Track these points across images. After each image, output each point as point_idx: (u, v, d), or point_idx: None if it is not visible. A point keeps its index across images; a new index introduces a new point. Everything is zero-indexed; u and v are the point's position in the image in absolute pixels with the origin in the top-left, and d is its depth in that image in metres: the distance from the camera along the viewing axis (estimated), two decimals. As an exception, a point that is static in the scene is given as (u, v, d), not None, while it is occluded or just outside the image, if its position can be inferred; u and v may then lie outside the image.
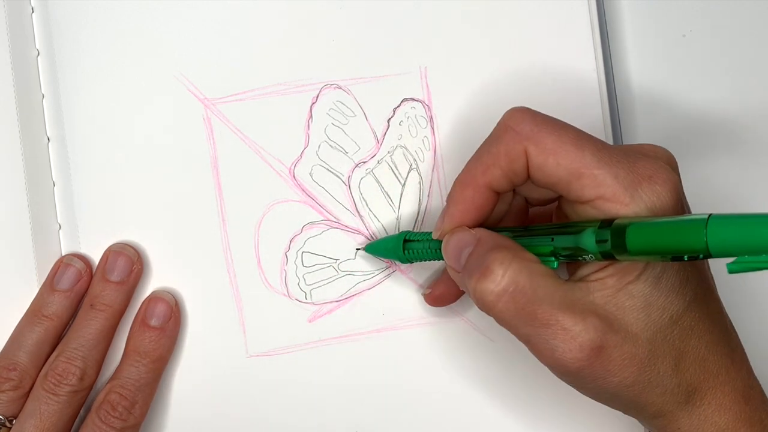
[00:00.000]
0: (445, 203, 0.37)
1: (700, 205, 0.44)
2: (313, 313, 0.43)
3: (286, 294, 0.43)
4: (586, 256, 0.32)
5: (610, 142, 0.43)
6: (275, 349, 0.43)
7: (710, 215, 0.28)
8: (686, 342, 0.34)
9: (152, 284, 0.42)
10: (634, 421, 0.37)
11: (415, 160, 0.43)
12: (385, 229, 0.43)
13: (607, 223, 0.31)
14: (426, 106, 0.43)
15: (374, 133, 0.43)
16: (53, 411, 0.40)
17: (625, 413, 0.36)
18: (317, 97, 0.43)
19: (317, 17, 0.43)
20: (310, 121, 0.43)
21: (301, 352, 0.43)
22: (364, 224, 0.43)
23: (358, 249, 0.43)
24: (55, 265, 0.42)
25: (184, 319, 0.42)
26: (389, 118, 0.43)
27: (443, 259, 0.37)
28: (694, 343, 0.34)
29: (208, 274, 0.42)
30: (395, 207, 0.43)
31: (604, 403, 0.35)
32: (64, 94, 0.42)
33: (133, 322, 0.42)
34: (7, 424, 0.40)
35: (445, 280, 0.41)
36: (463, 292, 0.41)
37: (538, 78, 0.43)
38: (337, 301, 0.43)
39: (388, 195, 0.43)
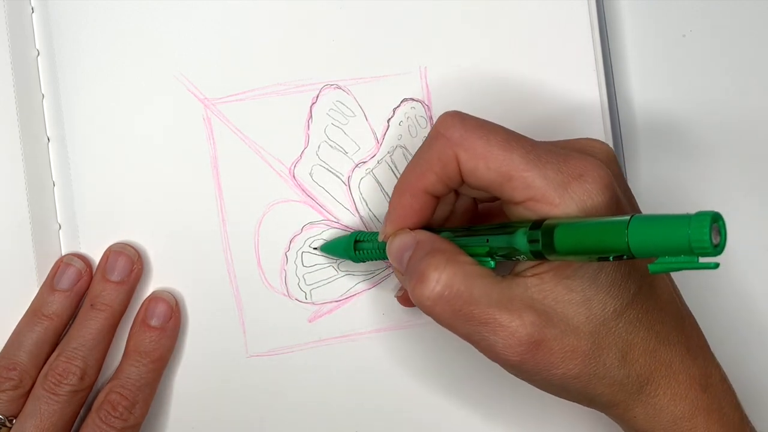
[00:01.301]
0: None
1: (698, 205, 0.44)
2: (313, 313, 0.43)
3: (286, 294, 0.43)
4: (519, 257, 0.33)
5: (610, 143, 0.43)
6: (275, 349, 0.43)
7: (633, 216, 0.28)
8: (634, 334, 0.34)
9: (152, 284, 0.42)
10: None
11: (415, 160, 0.43)
12: (385, 229, 0.43)
13: (537, 224, 0.32)
14: (426, 106, 0.43)
15: (374, 133, 0.43)
16: (53, 411, 0.40)
17: (580, 404, 0.36)
18: (317, 97, 0.43)
19: (317, 17, 0.43)
20: (310, 121, 0.43)
21: (301, 352, 0.43)
22: (364, 224, 0.43)
23: (315, 249, 0.43)
24: (55, 265, 0.42)
25: (184, 319, 0.42)
26: (389, 118, 0.43)
27: None
28: (642, 335, 0.34)
29: (208, 274, 0.42)
30: (395, 207, 0.43)
31: (557, 395, 0.35)
32: (64, 94, 0.42)
33: (134, 322, 0.42)
34: (8, 423, 0.40)
35: None
36: None
37: (538, 78, 0.43)
38: (337, 301, 0.43)
39: (388, 195, 0.43)
